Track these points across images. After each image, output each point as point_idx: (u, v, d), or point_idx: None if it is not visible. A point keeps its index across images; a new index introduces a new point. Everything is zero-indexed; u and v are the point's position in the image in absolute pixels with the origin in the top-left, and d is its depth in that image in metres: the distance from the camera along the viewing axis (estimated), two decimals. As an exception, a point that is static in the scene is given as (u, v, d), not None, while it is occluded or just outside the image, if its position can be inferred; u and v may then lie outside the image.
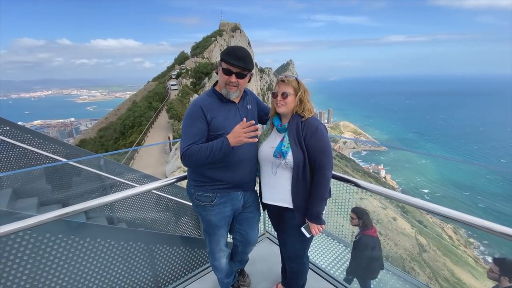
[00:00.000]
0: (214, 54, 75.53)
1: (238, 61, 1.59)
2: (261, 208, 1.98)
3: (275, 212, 1.85)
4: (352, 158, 72.28)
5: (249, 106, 1.85)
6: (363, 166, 70.42)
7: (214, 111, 1.65)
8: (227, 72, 1.61)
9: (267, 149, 1.73)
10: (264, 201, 1.82)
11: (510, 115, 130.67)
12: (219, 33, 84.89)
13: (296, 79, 1.67)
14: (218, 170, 1.71)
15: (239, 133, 1.52)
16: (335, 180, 1.92)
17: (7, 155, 3.45)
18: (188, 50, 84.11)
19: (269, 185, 1.77)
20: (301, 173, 1.61)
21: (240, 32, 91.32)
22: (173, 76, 65.82)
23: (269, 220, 2.06)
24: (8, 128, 3.54)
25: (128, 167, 4.12)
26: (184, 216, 4.50)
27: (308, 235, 1.66)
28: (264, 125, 1.99)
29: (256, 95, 2.01)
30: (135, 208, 4.06)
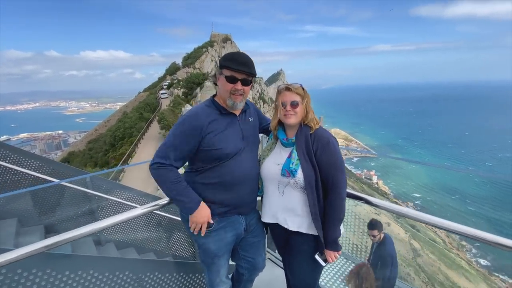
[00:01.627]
0: (206, 65, 75.88)
1: (243, 66, 1.47)
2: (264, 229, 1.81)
3: (282, 234, 1.67)
4: (345, 164, 72.54)
5: (250, 119, 1.70)
6: (355, 173, 70.93)
7: (212, 123, 1.50)
8: (232, 80, 1.48)
9: (272, 166, 1.57)
10: (269, 220, 1.65)
11: (493, 120, 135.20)
12: (210, 44, 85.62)
13: (301, 86, 1.53)
14: (216, 190, 1.54)
15: (202, 220, 1.47)
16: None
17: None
18: (179, 61, 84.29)
19: (275, 207, 1.60)
20: (314, 193, 1.46)
21: (231, 42, 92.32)
22: (164, 87, 65.62)
23: (270, 239, 1.89)
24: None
25: (117, 183, 3.90)
26: (177, 232, 4.28)
27: (323, 264, 1.49)
28: (263, 135, 1.84)
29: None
30: (123, 227, 3.82)
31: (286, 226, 1.57)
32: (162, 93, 58.05)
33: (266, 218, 1.66)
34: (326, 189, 1.47)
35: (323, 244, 1.47)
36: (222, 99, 1.56)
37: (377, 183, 68.07)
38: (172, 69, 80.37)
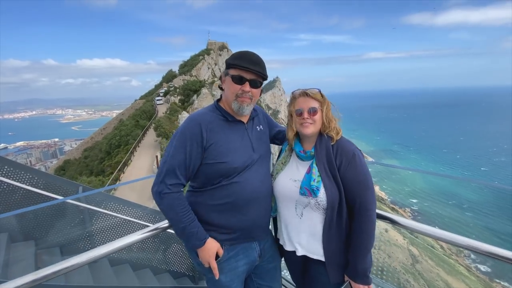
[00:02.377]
0: (202, 72, 76.22)
1: (254, 65, 1.27)
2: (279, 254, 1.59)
3: (299, 262, 1.46)
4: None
5: (259, 127, 1.49)
6: (352, 179, 70.88)
7: (216, 131, 1.30)
8: (239, 80, 1.27)
9: (287, 182, 1.36)
10: (286, 247, 1.44)
11: (488, 125, 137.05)
12: (207, 52, 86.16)
13: (320, 92, 1.34)
14: (223, 213, 1.33)
15: (209, 259, 1.28)
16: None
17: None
18: (176, 69, 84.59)
19: (293, 229, 1.39)
20: (336, 215, 1.26)
21: (227, 51, 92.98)
22: (161, 94, 65.68)
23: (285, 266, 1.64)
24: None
25: (111, 196, 3.80)
26: (174, 244, 4.15)
27: None
28: (275, 145, 1.62)
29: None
30: (137, 245, 3.71)
31: (306, 254, 1.37)
32: (157, 99, 58.07)
33: (284, 243, 1.46)
34: (352, 210, 1.28)
35: (348, 275, 1.29)
36: (227, 103, 1.35)
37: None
38: (169, 77, 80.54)
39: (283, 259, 1.63)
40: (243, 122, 1.41)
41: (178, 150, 1.25)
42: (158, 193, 1.25)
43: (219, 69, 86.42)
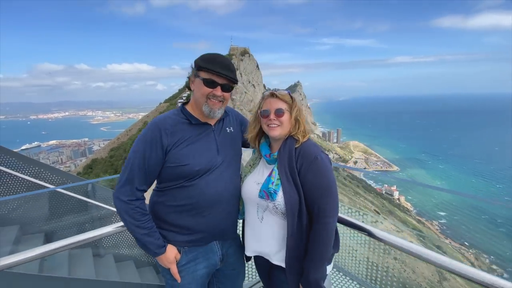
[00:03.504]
0: (223, 76, 77.71)
1: (225, 69, 1.26)
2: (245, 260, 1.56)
3: (264, 267, 1.43)
4: (363, 178, 70.26)
5: (229, 129, 1.47)
6: (375, 187, 68.28)
7: (178, 134, 1.28)
8: (211, 84, 1.26)
9: (252, 185, 1.33)
10: (248, 253, 1.42)
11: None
12: (229, 57, 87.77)
13: (289, 93, 1.31)
14: (183, 214, 1.31)
15: (168, 265, 1.30)
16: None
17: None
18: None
19: (254, 234, 1.36)
20: (296, 220, 1.19)
21: (249, 55, 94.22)
22: (184, 98, 67.80)
23: None
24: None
25: (104, 188, 3.83)
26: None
27: None
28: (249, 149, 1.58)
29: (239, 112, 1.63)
30: (121, 240, 3.72)
31: (268, 258, 1.33)
32: (179, 102, 60.26)
33: (247, 248, 1.42)
34: (311, 216, 1.23)
35: (301, 284, 1.22)
36: (197, 105, 1.34)
37: (398, 199, 65.12)
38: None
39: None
40: (210, 125, 1.39)
41: (138, 155, 1.24)
42: (118, 200, 1.24)
43: (240, 74, 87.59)
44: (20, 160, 3.43)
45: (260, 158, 1.42)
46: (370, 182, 70.90)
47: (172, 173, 1.27)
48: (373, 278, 2.94)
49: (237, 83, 1.35)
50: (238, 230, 1.59)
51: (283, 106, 1.27)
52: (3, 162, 3.30)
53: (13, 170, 3.30)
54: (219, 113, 1.34)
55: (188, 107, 1.39)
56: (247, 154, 1.66)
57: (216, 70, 1.24)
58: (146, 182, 1.27)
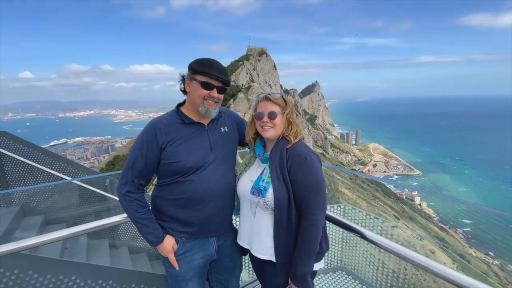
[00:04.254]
0: (241, 77, 78.29)
1: (221, 74, 1.38)
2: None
3: (257, 261, 1.50)
4: (383, 182, 68.06)
5: (223, 129, 1.55)
6: (396, 192, 65.97)
7: (172, 134, 1.39)
8: (207, 86, 1.37)
9: (246, 183, 1.42)
10: (243, 244, 1.50)
11: None
12: (246, 57, 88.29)
13: (282, 97, 1.40)
14: (179, 207, 1.42)
15: (166, 255, 1.41)
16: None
17: (16, 171, 3.52)
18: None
19: (247, 228, 1.44)
20: (285, 216, 1.27)
21: (266, 56, 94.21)
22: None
23: None
24: (28, 149, 3.64)
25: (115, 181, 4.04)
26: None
27: None
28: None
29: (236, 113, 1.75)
30: (136, 232, 3.91)
31: (256, 254, 1.40)
32: None
33: (241, 242, 1.51)
34: (300, 213, 1.29)
35: (290, 278, 1.29)
36: (193, 106, 1.44)
37: (420, 204, 62.63)
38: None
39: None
40: (203, 124, 1.48)
41: (136, 153, 1.37)
42: (120, 193, 1.37)
43: (257, 74, 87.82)
44: (46, 155, 3.70)
45: (255, 158, 1.49)
46: (390, 186, 68.63)
47: (167, 169, 1.38)
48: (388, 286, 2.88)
49: (229, 86, 1.47)
50: (235, 225, 1.66)
51: (276, 109, 1.35)
52: (32, 157, 3.58)
53: (39, 164, 3.57)
54: (214, 113, 1.44)
55: (183, 108, 1.49)
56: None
57: (214, 74, 1.36)
58: (145, 177, 1.39)
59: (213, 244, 1.51)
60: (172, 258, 1.42)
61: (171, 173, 1.39)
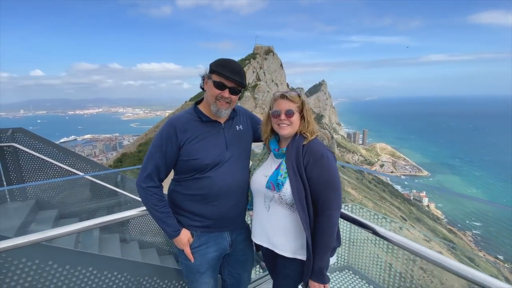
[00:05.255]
0: (247, 76, 78.03)
1: (235, 74, 1.39)
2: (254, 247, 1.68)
3: (269, 255, 1.53)
4: (390, 183, 67.34)
5: (238, 127, 1.59)
6: (403, 193, 65.08)
7: (190, 131, 1.42)
8: (220, 86, 1.40)
9: (260, 178, 1.44)
10: (255, 240, 1.53)
11: None
12: (253, 56, 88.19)
13: (299, 95, 1.41)
14: (196, 202, 1.46)
15: (182, 247, 1.45)
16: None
17: (31, 166, 3.62)
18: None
19: (261, 223, 1.46)
20: (301, 212, 1.29)
21: (273, 54, 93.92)
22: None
23: None
24: (41, 144, 3.73)
25: (127, 178, 4.11)
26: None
27: None
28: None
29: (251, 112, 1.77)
30: (146, 228, 3.98)
31: (271, 248, 1.43)
32: None
33: (255, 238, 1.53)
34: (316, 209, 1.31)
35: (309, 272, 1.30)
36: (207, 104, 1.48)
37: (428, 205, 61.66)
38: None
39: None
40: (220, 122, 1.52)
41: (156, 149, 1.41)
42: (140, 187, 1.41)
43: (264, 72, 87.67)
44: (60, 151, 3.80)
45: (269, 154, 1.51)
46: (397, 187, 67.75)
47: (185, 166, 1.43)
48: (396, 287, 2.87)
49: (244, 87, 1.47)
50: (247, 220, 1.69)
51: (293, 107, 1.36)
52: (46, 152, 3.68)
53: (53, 159, 3.66)
54: (225, 113, 1.47)
55: (200, 106, 1.53)
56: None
57: (226, 74, 1.37)
58: (163, 172, 1.43)
59: (227, 238, 1.55)
60: (187, 251, 1.46)
61: (189, 170, 1.43)
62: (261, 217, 1.46)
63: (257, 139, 1.68)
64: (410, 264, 2.81)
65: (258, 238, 1.51)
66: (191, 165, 1.41)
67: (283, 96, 1.38)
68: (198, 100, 1.57)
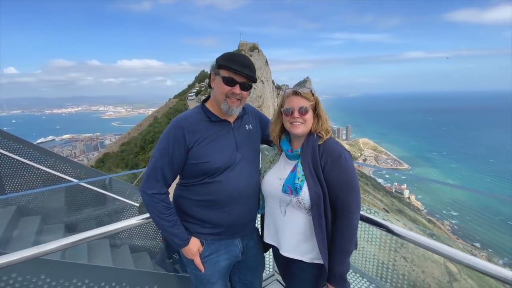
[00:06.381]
0: (233, 72, 77.74)
1: (245, 68, 1.29)
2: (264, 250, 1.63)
3: (283, 258, 1.47)
4: (373, 176, 69.37)
5: (248, 127, 1.49)
6: (385, 185, 67.23)
7: (199, 133, 1.32)
8: (230, 82, 1.29)
9: (274, 181, 1.36)
10: (270, 241, 1.46)
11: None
12: (238, 52, 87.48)
13: (312, 91, 1.31)
14: (205, 208, 1.36)
15: (191, 257, 1.36)
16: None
17: (9, 171, 3.39)
18: (208, 69, 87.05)
19: (276, 227, 1.40)
20: (319, 215, 1.23)
21: (258, 51, 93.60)
22: (192, 93, 68.94)
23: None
24: (19, 145, 3.50)
25: (134, 187, 3.95)
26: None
27: None
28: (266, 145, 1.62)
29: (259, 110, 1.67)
30: (137, 232, 3.85)
31: (286, 254, 1.37)
32: (189, 95, 63.64)
33: (268, 239, 1.47)
34: (335, 212, 1.25)
35: (326, 277, 1.26)
36: (216, 102, 1.38)
37: (408, 197, 64.02)
38: (201, 77, 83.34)
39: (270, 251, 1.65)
40: (229, 122, 1.42)
41: (162, 153, 1.30)
42: (145, 194, 1.30)
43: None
44: (39, 152, 3.58)
45: (280, 154, 1.43)
46: (380, 180, 69.88)
47: (194, 170, 1.33)
48: (383, 276, 2.94)
49: (255, 82, 1.37)
50: (257, 223, 1.63)
51: (306, 104, 1.28)
52: (23, 153, 3.45)
53: (32, 161, 3.44)
54: (237, 111, 1.37)
55: (208, 104, 1.43)
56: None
57: (236, 68, 1.27)
58: (170, 178, 1.33)
59: (239, 245, 1.48)
60: (197, 261, 1.38)
61: (198, 174, 1.34)
62: (275, 222, 1.39)
63: (264, 141, 1.59)
64: (416, 263, 2.87)
65: (272, 240, 1.45)
66: (200, 169, 1.32)
67: (295, 93, 1.29)
68: (205, 98, 1.47)
